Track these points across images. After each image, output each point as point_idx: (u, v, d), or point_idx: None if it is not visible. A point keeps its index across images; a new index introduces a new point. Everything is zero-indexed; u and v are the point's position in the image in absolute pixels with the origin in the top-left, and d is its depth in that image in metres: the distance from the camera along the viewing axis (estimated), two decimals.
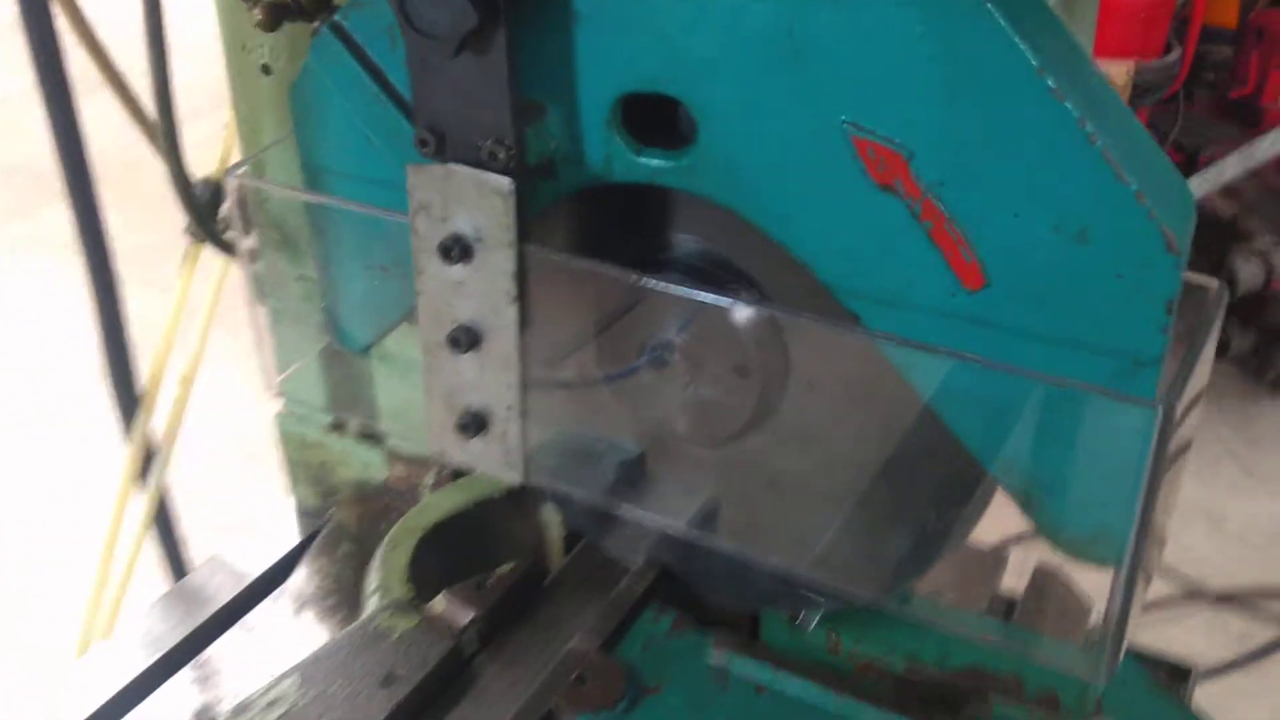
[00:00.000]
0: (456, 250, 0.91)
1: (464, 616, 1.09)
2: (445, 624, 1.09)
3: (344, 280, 1.12)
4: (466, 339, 0.95)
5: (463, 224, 0.90)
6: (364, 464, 1.44)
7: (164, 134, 1.23)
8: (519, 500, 1.31)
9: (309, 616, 1.30)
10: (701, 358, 0.98)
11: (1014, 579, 1.28)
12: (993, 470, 0.86)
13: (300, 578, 1.33)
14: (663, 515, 1.03)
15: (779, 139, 0.82)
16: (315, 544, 1.39)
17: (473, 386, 0.97)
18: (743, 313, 0.94)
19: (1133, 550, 0.79)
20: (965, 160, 0.77)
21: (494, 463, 1.00)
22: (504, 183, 0.87)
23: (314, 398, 1.33)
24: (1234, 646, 2.81)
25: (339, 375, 1.29)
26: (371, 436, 1.44)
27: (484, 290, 0.92)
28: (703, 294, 0.90)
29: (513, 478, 1.00)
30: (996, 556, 1.28)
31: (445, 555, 1.26)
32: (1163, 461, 0.76)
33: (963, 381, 0.83)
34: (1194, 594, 2.96)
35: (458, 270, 0.93)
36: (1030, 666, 1.05)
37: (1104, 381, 0.78)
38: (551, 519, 1.29)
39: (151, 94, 1.21)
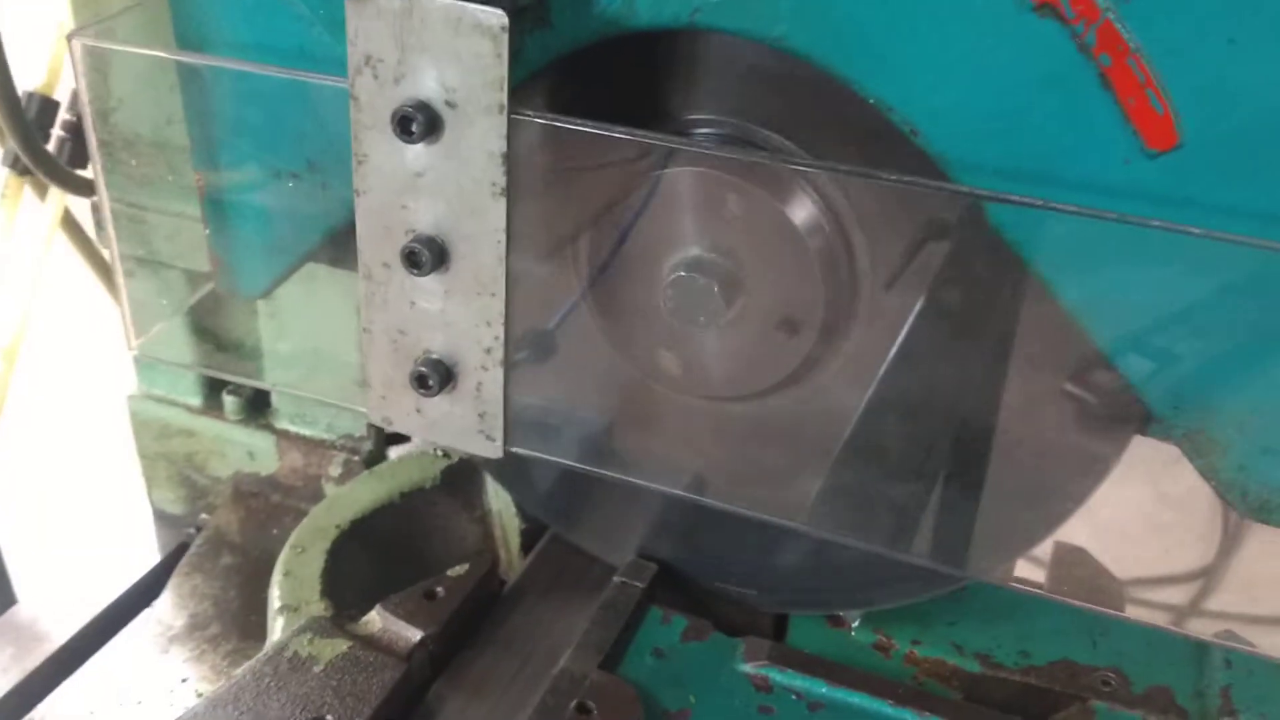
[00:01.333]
0: (420, 123, 0.65)
1: (412, 635, 0.83)
2: (388, 646, 0.82)
3: (238, 200, 0.84)
4: (430, 255, 0.69)
5: (428, 84, 0.64)
6: (247, 452, 1.16)
7: None
8: (454, 487, 1.06)
9: (182, 653, 1.07)
10: (739, 274, 0.74)
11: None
12: (1155, 404, 0.65)
13: (166, 603, 1.10)
14: (686, 489, 0.78)
15: None
16: (186, 559, 1.16)
17: (436, 323, 0.72)
18: (798, 197, 0.71)
19: None
20: None
21: (463, 429, 0.74)
22: (493, 16, 0.61)
23: (184, 359, 1.04)
24: None
25: (218, 332, 1.00)
26: (257, 417, 1.15)
27: (457, 181, 0.67)
28: (750, 155, 0.66)
29: (489, 449, 0.74)
30: None
31: (368, 561, 0.99)
32: None
33: (1122, 266, 0.62)
34: None
35: (418, 154, 0.67)
36: (1132, 657, 0.85)
37: None
38: (504, 509, 1.03)
39: None
